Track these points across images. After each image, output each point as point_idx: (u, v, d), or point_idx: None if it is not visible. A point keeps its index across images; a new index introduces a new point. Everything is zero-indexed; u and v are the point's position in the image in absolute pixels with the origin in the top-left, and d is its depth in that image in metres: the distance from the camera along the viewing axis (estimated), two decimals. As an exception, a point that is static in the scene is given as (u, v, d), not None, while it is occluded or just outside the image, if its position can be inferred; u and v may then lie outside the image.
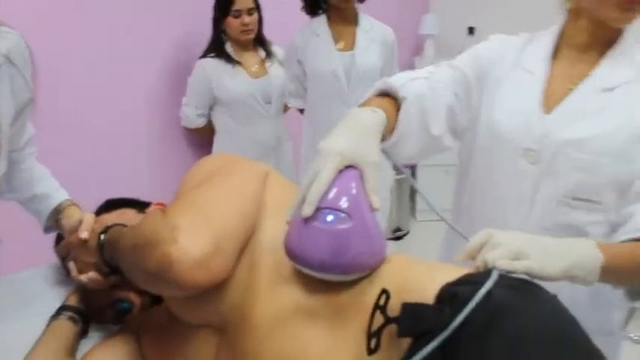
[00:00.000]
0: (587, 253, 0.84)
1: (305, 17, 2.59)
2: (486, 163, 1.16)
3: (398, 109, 1.03)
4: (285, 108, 2.85)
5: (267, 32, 2.72)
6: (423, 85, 1.08)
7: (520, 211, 1.10)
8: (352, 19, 2.54)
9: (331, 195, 0.81)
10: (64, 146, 2.12)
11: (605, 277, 0.85)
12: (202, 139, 2.77)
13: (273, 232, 0.89)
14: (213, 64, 2.56)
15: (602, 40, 1.08)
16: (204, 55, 2.59)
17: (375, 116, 0.94)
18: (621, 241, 0.96)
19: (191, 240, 0.77)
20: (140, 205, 1.21)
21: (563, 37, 1.13)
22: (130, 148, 2.51)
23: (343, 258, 0.79)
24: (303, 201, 0.82)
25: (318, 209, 0.80)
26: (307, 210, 0.80)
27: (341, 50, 2.50)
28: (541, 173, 1.07)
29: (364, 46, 2.51)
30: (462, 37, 4.14)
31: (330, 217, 0.80)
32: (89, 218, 1.09)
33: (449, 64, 1.18)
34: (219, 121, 2.68)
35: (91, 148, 2.32)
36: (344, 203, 0.81)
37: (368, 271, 0.83)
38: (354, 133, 0.89)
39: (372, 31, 2.55)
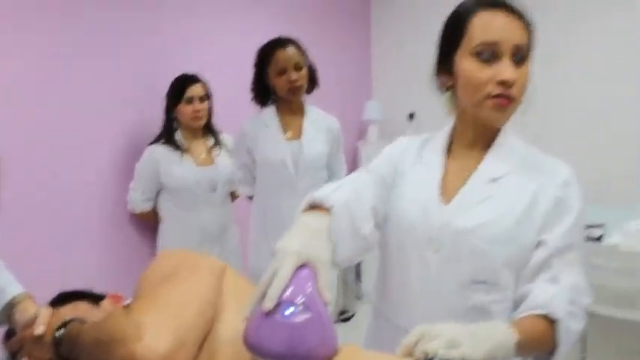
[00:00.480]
0: (503, 334, 0.95)
1: (254, 107, 2.70)
2: (398, 253, 1.25)
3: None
4: (235, 195, 2.91)
5: (218, 121, 2.83)
6: (347, 191, 1.17)
7: (429, 297, 1.19)
8: (299, 110, 2.64)
9: (289, 291, 0.88)
10: (9, 226, 2.13)
11: (517, 352, 0.96)
12: (148, 223, 2.79)
13: (231, 325, 0.94)
14: (161, 150, 2.63)
15: (485, 137, 1.23)
16: (155, 142, 2.66)
17: (323, 220, 1.04)
18: (522, 317, 1.07)
19: (155, 337, 0.82)
20: (94, 298, 1.23)
21: (454, 135, 1.28)
22: (78, 230, 2.52)
23: (301, 349, 0.84)
24: (262, 297, 0.88)
25: (277, 304, 0.87)
26: (268, 304, 0.86)
27: (289, 140, 2.59)
28: (443, 260, 1.17)
29: (311, 135, 2.60)
30: (403, 122, 4.36)
31: (289, 311, 0.86)
32: (45, 312, 1.09)
33: (366, 169, 1.31)
34: (165, 208, 2.72)
35: (39, 230, 2.32)
36: (301, 298, 0.88)
37: (326, 358, 0.88)
38: (307, 234, 0.98)
39: (318, 121, 2.66)
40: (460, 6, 1.19)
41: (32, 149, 2.29)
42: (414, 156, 1.30)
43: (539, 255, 1.13)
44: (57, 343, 0.99)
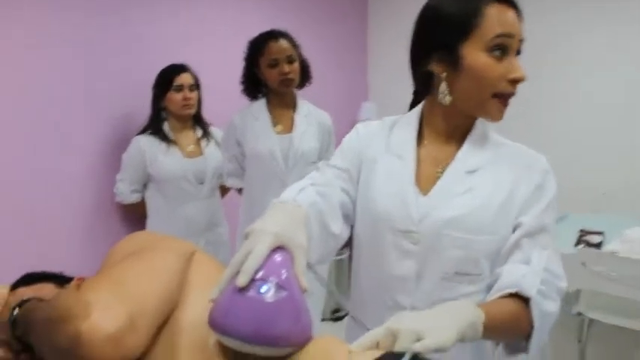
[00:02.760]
0: (469, 313, 0.91)
1: (244, 101, 2.65)
2: (372, 246, 1.21)
3: None
4: (225, 190, 2.86)
5: (207, 114, 2.76)
6: (312, 191, 1.14)
7: (408, 289, 1.16)
8: (291, 104, 2.61)
9: (265, 269, 0.82)
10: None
11: (488, 331, 0.92)
12: (137, 216, 2.72)
13: (194, 312, 0.87)
14: (148, 141, 2.57)
15: (461, 128, 1.20)
16: (142, 132, 2.60)
17: (300, 209, 1.00)
18: (493, 298, 1.04)
19: (104, 316, 0.74)
20: (61, 280, 1.15)
21: (424, 122, 1.23)
22: (64, 222, 2.47)
23: (271, 332, 0.77)
24: (233, 276, 0.82)
25: (251, 281, 0.80)
26: (242, 280, 0.79)
27: (279, 133, 2.56)
28: (423, 252, 1.14)
29: (302, 129, 2.57)
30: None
31: (264, 288, 0.80)
32: (1, 291, 1.02)
33: (327, 164, 1.27)
34: (151, 200, 2.65)
35: (25, 221, 2.26)
36: (277, 277, 0.82)
37: (293, 348, 0.81)
38: (285, 219, 0.93)
39: (310, 116, 2.63)
40: None
41: (17, 140, 2.23)
42: (381, 144, 1.25)
43: (514, 237, 1.11)
44: (13, 322, 0.90)
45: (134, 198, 2.64)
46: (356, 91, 4.70)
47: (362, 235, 1.23)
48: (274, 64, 2.45)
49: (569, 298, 2.60)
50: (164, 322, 0.85)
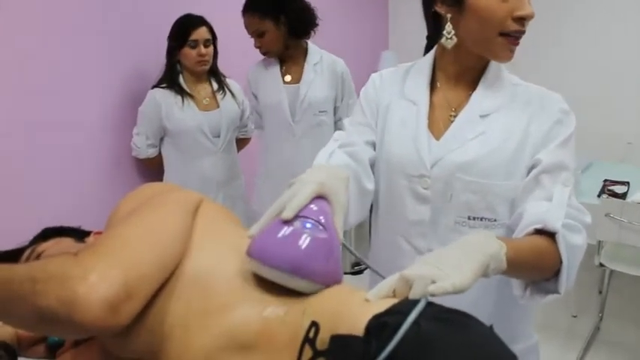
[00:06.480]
0: (489, 246, 0.86)
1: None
2: (389, 192, 1.22)
3: None
4: (243, 143, 2.90)
5: (223, 64, 2.73)
6: (342, 153, 1.17)
7: (424, 234, 1.17)
8: (302, 54, 2.62)
9: (309, 210, 0.87)
10: (10, 170, 2.11)
11: (511, 266, 0.87)
12: (153, 170, 2.72)
13: (201, 263, 0.87)
14: (163, 94, 2.53)
15: (472, 70, 1.18)
16: (157, 85, 2.57)
17: (344, 171, 1.01)
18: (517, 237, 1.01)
19: (102, 281, 0.72)
20: (79, 234, 1.16)
21: (436, 67, 1.22)
22: (81, 176, 2.48)
23: (312, 264, 0.80)
24: (274, 215, 0.86)
25: (296, 217, 0.85)
26: (288, 213, 0.83)
27: (287, 83, 2.58)
28: (436, 197, 1.14)
29: (310, 79, 2.58)
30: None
31: (309, 225, 0.84)
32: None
33: (350, 122, 1.29)
34: (167, 154, 2.64)
35: (40, 175, 2.27)
36: (322, 219, 0.86)
37: (323, 286, 0.83)
38: (330, 174, 0.95)
39: (320, 64, 2.62)
40: None
41: (33, 93, 2.23)
42: (395, 90, 1.25)
43: (532, 174, 1.09)
44: None
45: (150, 152, 2.63)
46: (376, 41, 4.63)
47: (380, 183, 1.24)
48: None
49: (591, 250, 2.57)
50: (172, 273, 0.85)
